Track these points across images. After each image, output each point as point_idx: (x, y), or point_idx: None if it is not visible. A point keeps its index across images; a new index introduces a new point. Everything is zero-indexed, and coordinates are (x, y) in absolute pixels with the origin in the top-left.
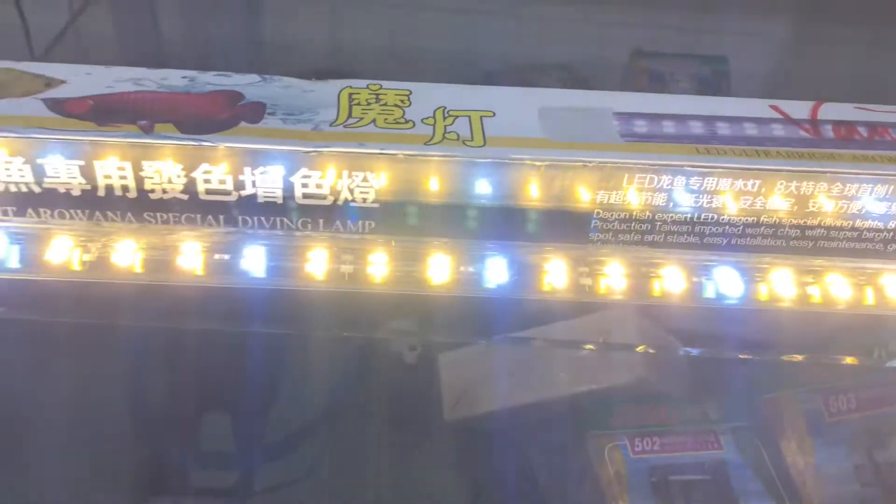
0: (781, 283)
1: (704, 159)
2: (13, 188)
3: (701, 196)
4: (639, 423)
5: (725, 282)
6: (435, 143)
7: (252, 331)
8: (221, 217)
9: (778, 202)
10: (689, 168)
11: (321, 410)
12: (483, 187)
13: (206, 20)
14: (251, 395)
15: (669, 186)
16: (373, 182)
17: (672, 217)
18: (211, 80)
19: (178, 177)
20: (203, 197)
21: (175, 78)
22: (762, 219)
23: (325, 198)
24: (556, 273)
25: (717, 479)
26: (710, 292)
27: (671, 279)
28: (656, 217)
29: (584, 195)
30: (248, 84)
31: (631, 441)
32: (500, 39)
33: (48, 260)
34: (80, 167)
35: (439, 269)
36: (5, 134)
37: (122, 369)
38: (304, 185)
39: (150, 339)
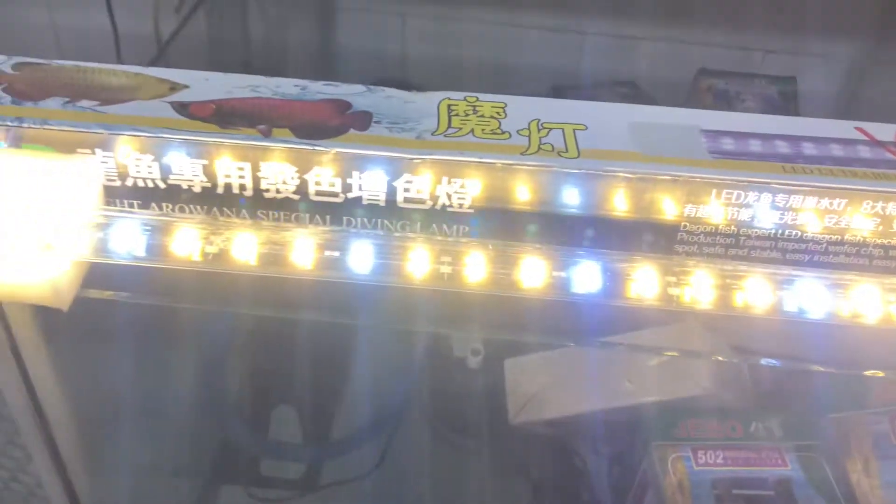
0: (864, 301)
1: (791, 178)
2: (140, 183)
3: (785, 213)
4: (703, 436)
5: (808, 296)
6: (531, 154)
7: (324, 323)
8: (328, 217)
9: (862, 222)
10: (776, 185)
11: (386, 411)
12: (575, 197)
13: (286, 28)
14: (320, 391)
15: (755, 203)
16: (469, 189)
17: (756, 232)
18: (321, 90)
19: (292, 178)
20: (313, 197)
21: (288, 86)
22: (846, 237)
23: (424, 202)
24: (644, 282)
25: (781, 496)
26: (792, 306)
27: (754, 292)
28: (741, 231)
29: (672, 208)
30: (354, 94)
31: (695, 453)
32: (565, 55)
33: (173, 250)
34: (203, 166)
35: (533, 272)
36: (137, 133)
37: (203, 360)
38: (406, 190)
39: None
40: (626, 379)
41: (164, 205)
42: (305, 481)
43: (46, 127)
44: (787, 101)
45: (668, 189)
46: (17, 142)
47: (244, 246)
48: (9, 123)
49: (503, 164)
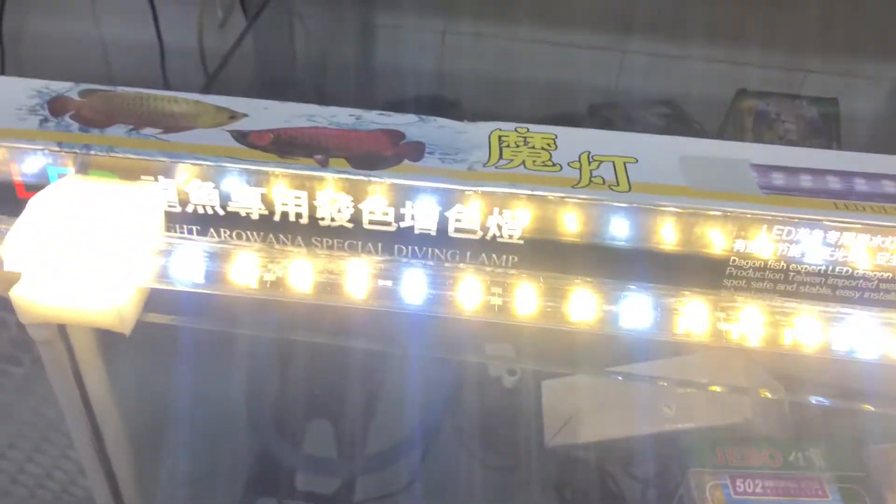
0: None
1: (843, 215)
2: (200, 210)
3: (836, 250)
4: (742, 464)
5: (859, 334)
6: (582, 187)
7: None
8: (380, 245)
9: None
10: (827, 223)
11: (420, 427)
12: (624, 230)
13: (329, 45)
14: (355, 405)
15: (806, 239)
16: (520, 220)
17: (806, 268)
18: (375, 119)
19: (347, 207)
20: (366, 226)
21: (343, 115)
22: None
23: (474, 233)
24: (693, 317)
25: None
26: (842, 344)
27: (804, 329)
28: (790, 267)
29: (721, 242)
30: (407, 123)
31: (733, 481)
32: (603, 73)
33: (231, 277)
34: (261, 194)
35: (583, 306)
36: (199, 162)
37: (242, 374)
38: (458, 221)
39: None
40: (665, 405)
41: (222, 230)
42: (339, 496)
43: (112, 155)
44: (828, 122)
45: (718, 224)
46: (84, 168)
47: (300, 274)
48: (77, 151)
49: (554, 196)
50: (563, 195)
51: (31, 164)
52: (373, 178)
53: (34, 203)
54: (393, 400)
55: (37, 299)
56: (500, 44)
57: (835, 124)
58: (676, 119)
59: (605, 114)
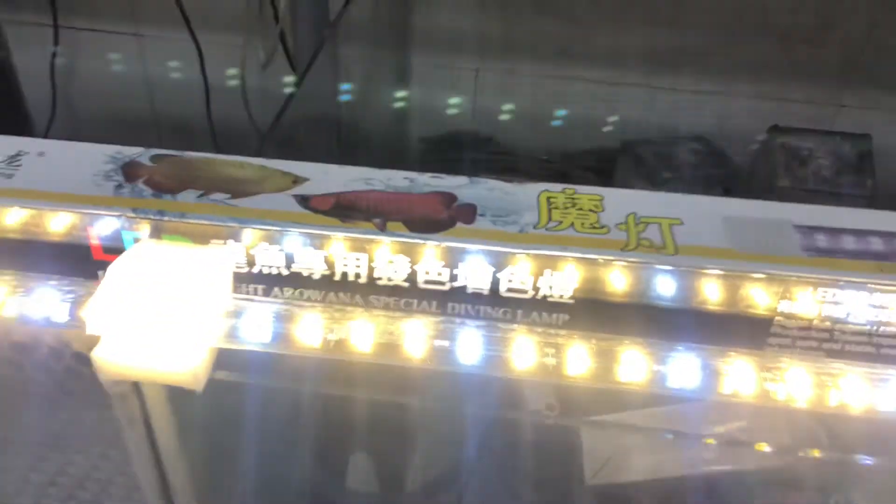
0: None
1: (887, 277)
2: (265, 270)
3: (881, 310)
4: None
5: None
6: (631, 250)
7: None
8: (434, 303)
9: None
10: (872, 286)
11: (460, 463)
12: (671, 291)
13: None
14: (396, 440)
15: (850, 300)
16: (570, 280)
17: (851, 328)
18: (428, 182)
19: (403, 268)
20: (421, 285)
21: (398, 178)
22: None
23: (525, 292)
24: (740, 377)
25: None
26: (889, 405)
27: (850, 390)
28: (835, 327)
29: (766, 302)
30: (458, 185)
31: None
32: (636, 109)
33: (297, 337)
34: (324, 256)
35: (633, 366)
36: (267, 227)
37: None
38: (510, 281)
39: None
40: (706, 446)
41: (285, 289)
42: None
43: (185, 221)
44: (862, 159)
45: (763, 285)
46: (157, 232)
47: (361, 334)
48: (152, 216)
49: (604, 259)
50: (612, 258)
51: (107, 228)
52: (429, 242)
53: (113, 268)
54: (432, 436)
55: (117, 360)
56: (532, 81)
57: (868, 160)
58: (709, 155)
59: (637, 150)
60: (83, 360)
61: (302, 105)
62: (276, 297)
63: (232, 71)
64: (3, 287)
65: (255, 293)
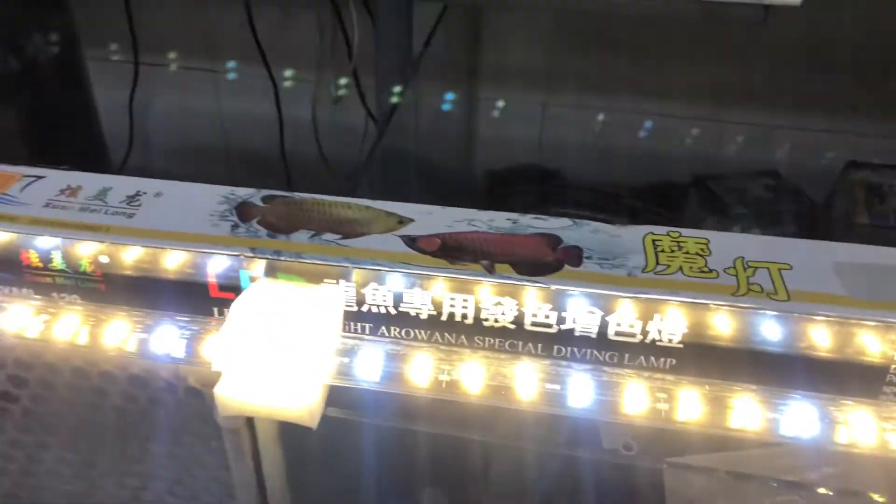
0: None
1: None
2: (374, 309)
3: None
4: None
5: None
6: (742, 295)
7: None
8: (540, 345)
9: None
10: None
11: (533, 497)
12: (781, 337)
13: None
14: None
15: None
16: (679, 325)
17: None
18: (531, 223)
19: (511, 310)
20: (528, 328)
21: (500, 220)
22: None
23: (634, 336)
24: (857, 426)
25: None
26: None
27: None
28: None
29: (881, 350)
30: (562, 227)
31: None
32: (704, 143)
33: (410, 377)
34: (432, 297)
35: (747, 413)
36: (378, 268)
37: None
38: (618, 325)
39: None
40: (798, 494)
41: (392, 328)
42: None
43: (301, 261)
44: None
45: (878, 332)
46: (272, 271)
47: (472, 376)
48: (269, 256)
49: (716, 305)
50: (724, 304)
51: (225, 267)
52: (538, 285)
53: (235, 308)
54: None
55: (237, 396)
56: (601, 114)
57: None
58: (783, 191)
59: (709, 185)
60: (195, 395)
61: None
62: (381, 335)
63: (303, 106)
64: (125, 322)
65: (363, 331)
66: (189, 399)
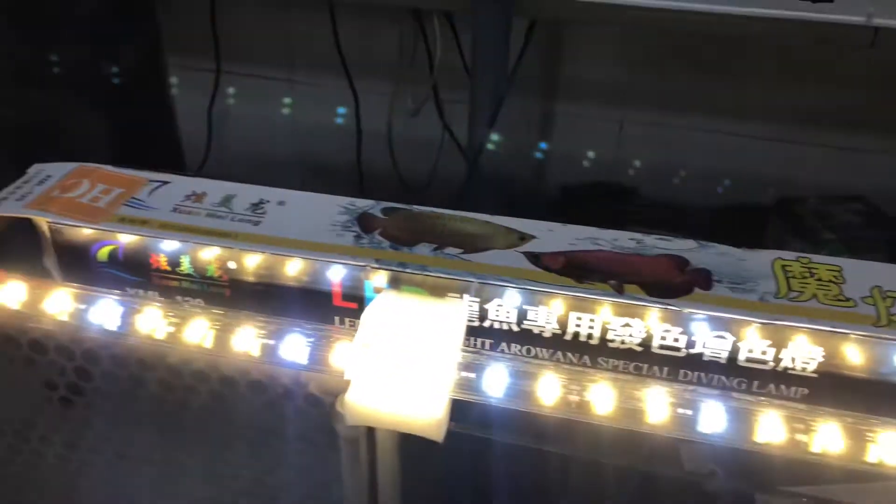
0: None
1: None
2: (496, 325)
3: None
4: None
5: None
6: (883, 326)
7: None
8: (665, 369)
9: None
10: None
11: None
12: None
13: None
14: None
15: None
16: (814, 354)
17: None
18: (655, 244)
19: (639, 332)
20: (655, 350)
21: (624, 239)
22: None
23: (766, 363)
24: None
25: None
26: None
27: None
28: None
29: None
30: (688, 249)
31: None
32: (786, 165)
33: (536, 393)
34: (557, 315)
35: (892, 448)
36: (504, 284)
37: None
38: (750, 351)
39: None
40: None
41: (513, 345)
42: None
43: (426, 274)
44: None
45: None
46: (396, 284)
47: (602, 397)
48: (395, 268)
49: (859, 335)
50: (866, 334)
51: (350, 277)
52: (671, 307)
53: (365, 318)
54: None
55: (367, 405)
56: (679, 134)
57: None
58: (871, 216)
59: (795, 209)
60: (314, 402)
61: (448, 154)
62: (501, 351)
63: (375, 117)
64: (252, 329)
65: (483, 347)
66: (308, 406)
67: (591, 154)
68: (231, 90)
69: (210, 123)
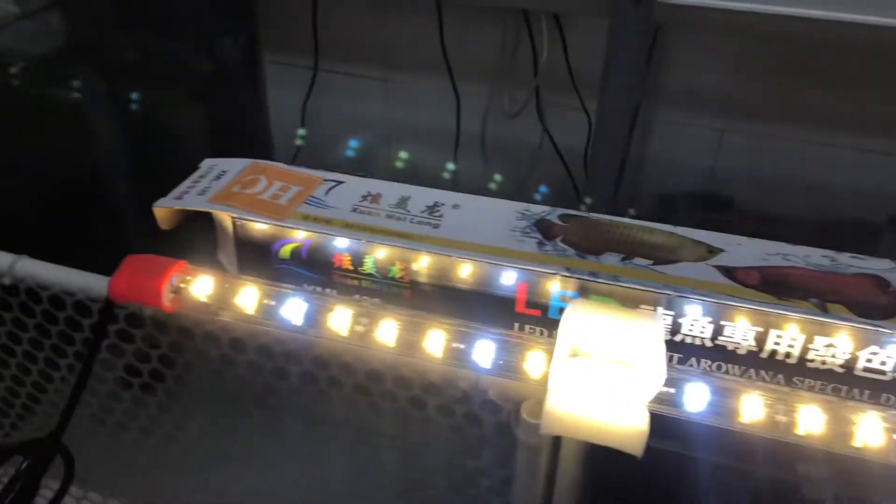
0: None
1: None
2: (688, 340)
3: None
4: None
5: None
6: None
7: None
8: (867, 392)
9: None
10: None
11: None
12: None
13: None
14: None
15: None
16: None
17: None
18: (850, 262)
19: (844, 352)
20: (858, 373)
21: (816, 256)
22: None
23: None
24: None
25: None
26: None
27: None
28: None
29: None
30: (885, 269)
31: None
32: (892, 180)
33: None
34: (757, 332)
35: None
36: (703, 299)
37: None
38: None
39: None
40: None
41: (703, 360)
42: None
43: (619, 284)
44: None
45: None
46: (585, 292)
47: (810, 419)
48: (586, 278)
49: None
50: None
51: (534, 284)
52: (884, 329)
53: (564, 327)
54: None
55: (568, 413)
56: (784, 145)
57: None
58: None
59: None
60: (491, 408)
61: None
62: (690, 366)
63: (471, 117)
64: (442, 332)
65: (672, 361)
66: (483, 412)
67: (689, 162)
68: (324, 88)
69: (303, 122)
